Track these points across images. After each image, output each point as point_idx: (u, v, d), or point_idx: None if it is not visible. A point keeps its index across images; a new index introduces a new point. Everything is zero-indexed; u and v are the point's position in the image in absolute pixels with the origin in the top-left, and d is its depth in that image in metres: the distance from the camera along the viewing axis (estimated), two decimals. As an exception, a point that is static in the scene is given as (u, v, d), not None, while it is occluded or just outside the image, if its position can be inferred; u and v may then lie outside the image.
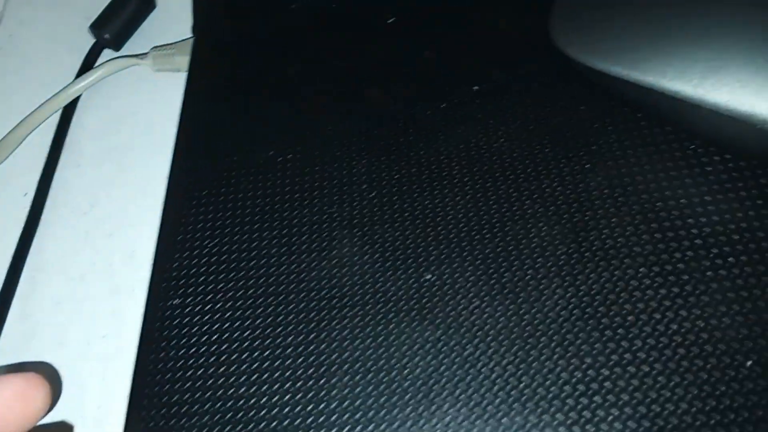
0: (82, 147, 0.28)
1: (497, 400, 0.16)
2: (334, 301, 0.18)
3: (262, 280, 0.19)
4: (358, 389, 0.17)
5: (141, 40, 0.31)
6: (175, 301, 0.19)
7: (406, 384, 0.16)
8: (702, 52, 0.17)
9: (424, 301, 0.18)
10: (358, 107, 0.22)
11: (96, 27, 0.30)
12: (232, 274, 0.19)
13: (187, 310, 0.19)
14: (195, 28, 0.28)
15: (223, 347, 0.18)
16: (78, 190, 0.26)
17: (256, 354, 0.18)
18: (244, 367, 0.17)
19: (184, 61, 0.27)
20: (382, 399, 0.16)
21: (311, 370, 0.17)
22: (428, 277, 0.18)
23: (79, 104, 0.29)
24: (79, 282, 0.23)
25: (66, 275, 0.24)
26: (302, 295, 0.18)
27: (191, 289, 0.19)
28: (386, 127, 0.21)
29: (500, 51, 0.22)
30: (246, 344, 0.18)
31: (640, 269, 0.17)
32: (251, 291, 0.19)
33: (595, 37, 0.19)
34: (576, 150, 0.19)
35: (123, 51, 0.31)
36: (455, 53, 0.22)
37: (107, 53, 0.31)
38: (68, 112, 0.28)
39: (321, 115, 0.22)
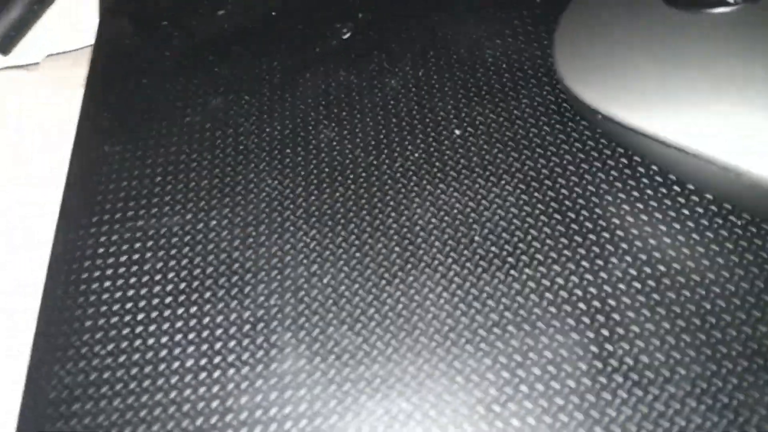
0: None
1: None
2: None
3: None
4: None
5: (40, 37, 0.25)
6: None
7: None
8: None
9: None
10: (306, 154, 0.16)
11: (-26, 27, 0.23)
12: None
13: None
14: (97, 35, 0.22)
15: None
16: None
17: None
18: None
19: (82, 74, 0.21)
20: None
21: None
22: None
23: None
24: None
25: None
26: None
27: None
28: (341, 180, 0.16)
29: (490, 82, 0.17)
30: None
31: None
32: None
33: (610, 79, 0.14)
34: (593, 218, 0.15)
35: (16, 53, 0.25)
36: (430, 82, 0.17)
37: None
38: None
39: (255, 167, 0.16)
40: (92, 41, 0.22)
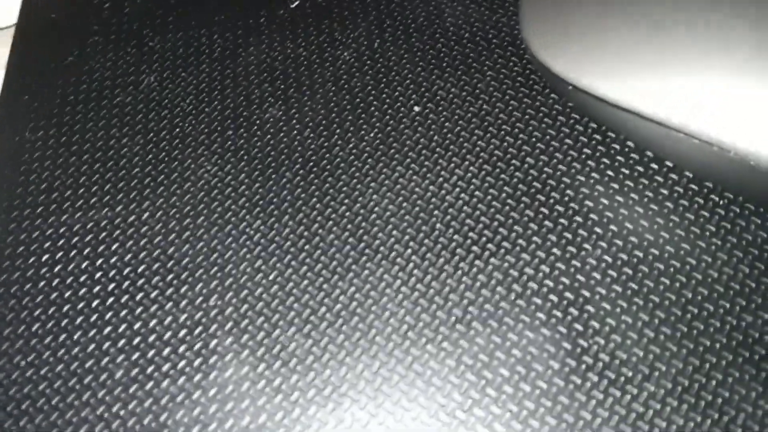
0: None
1: None
2: None
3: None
4: None
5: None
6: None
7: None
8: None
9: None
10: (249, 136, 0.15)
11: None
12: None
13: None
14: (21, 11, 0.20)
15: None
16: None
17: None
18: None
19: (5, 54, 0.19)
20: None
21: None
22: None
23: None
24: None
25: None
26: None
27: None
28: (288, 164, 0.14)
29: (452, 53, 0.15)
30: None
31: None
32: None
33: (583, 47, 0.13)
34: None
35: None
36: (386, 54, 0.16)
37: None
38: None
39: (192, 152, 0.15)
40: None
